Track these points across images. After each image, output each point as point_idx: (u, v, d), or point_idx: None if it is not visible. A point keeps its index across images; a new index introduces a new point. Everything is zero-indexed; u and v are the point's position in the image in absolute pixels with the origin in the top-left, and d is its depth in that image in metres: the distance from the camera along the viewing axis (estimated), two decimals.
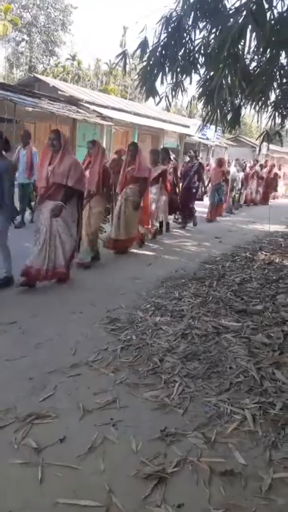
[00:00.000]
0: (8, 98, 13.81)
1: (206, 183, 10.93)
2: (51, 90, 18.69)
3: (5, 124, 13.80)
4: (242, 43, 3.43)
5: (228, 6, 4.20)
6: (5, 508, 1.77)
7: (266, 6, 3.41)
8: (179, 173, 9.21)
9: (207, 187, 11.01)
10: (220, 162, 10.81)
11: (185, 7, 4.49)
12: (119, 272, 5.38)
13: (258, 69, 3.94)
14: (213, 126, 5.02)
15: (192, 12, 4.49)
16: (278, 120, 4.81)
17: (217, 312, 3.96)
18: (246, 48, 3.59)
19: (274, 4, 3.63)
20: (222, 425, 2.37)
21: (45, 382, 2.72)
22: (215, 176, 10.63)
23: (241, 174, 13.48)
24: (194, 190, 9.10)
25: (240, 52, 3.64)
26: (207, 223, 10.19)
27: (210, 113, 4.62)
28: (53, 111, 15.15)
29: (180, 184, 9.11)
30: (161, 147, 20.82)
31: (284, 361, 3.04)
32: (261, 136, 4.37)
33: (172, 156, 8.83)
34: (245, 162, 15.67)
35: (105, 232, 6.13)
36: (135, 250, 6.68)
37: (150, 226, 7.06)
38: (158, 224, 7.85)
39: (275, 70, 3.84)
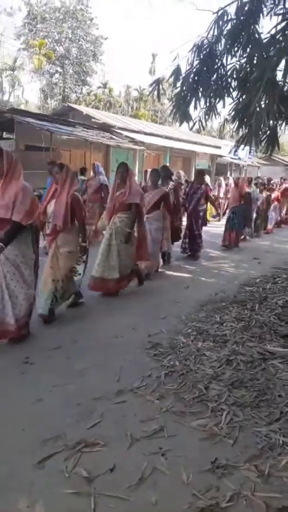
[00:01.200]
0: (44, 127, 14.39)
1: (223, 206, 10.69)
2: (85, 118, 19.35)
3: (43, 152, 14.36)
4: (279, 69, 3.48)
5: (261, 32, 4.28)
6: None
7: None
8: (181, 194, 8.18)
9: (225, 210, 10.44)
10: (237, 182, 9.84)
11: (217, 34, 4.61)
12: (157, 295, 5.39)
13: None
14: (243, 146, 4.94)
15: (224, 39, 4.61)
16: None
17: (261, 337, 3.88)
18: (284, 74, 3.61)
19: None
20: (275, 457, 2.28)
21: (92, 409, 2.73)
22: (233, 198, 9.72)
23: (262, 195, 11.93)
24: (201, 214, 8.12)
25: (277, 77, 3.68)
26: (242, 244, 9.98)
27: (245, 136, 4.65)
28: (86, 139, 15.63)
29: (184, 207, 8.25)
30: (193, 168, 20.99)
31: None
32: None
33: (175, 174, 8.51)
34: (271, 182, 14.38)
35: (79, 274, 4.65)
36: (170, 272, 6.67)
37: (151, 261, 5.89)
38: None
39: None
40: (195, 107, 5.00)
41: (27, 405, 2.75)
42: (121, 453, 2.32)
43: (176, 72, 5.03)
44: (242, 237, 10.07)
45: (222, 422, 2.59)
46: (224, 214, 10.85)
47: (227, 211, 10.39)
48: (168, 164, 20.49)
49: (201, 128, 5.76)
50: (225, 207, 13.25)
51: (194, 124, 5.42)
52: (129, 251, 5.25)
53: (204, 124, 5.42)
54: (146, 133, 20.53)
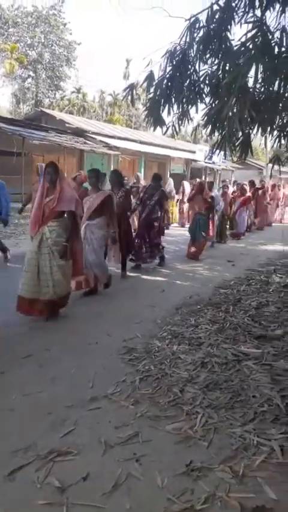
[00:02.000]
0: (16, 132, 14.22)
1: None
2: (58, 123, 19.23)
3: (14, 157, 14.17)
4: (250, 75, 3.55)
5: (232, 39, 4.36)
6: None
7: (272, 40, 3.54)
8: (133, 200, 7.49)
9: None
10: (201, 187, 8.64)
11: (189, 41, 4.67)
12: (132, 300, 5.37)
13: (266, 99, 4.04)
14: (218, 151, 4.95)
15: (196, 46, 4.66)
16: (283, 142, 4.89)
17: (236, 339, 3.91)
18: (254, 80, 3.69)
19: (279, 37, 3.75)
20: (250, 457, 2.29)
21: (65, 417, 2.67)
22: (197, 205, 8.57)
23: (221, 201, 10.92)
24: (156, 224, 7.31)
25: (249, 83, 3.75)
26: (212, 248, 10.03)
27: (220, 141, 4.71)
28: (60, 143, 15.53)
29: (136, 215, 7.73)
30: (168, 173, 21.14)
31: None
32: (272, 160, 4.43)
33: (134, 177, 8.40)
34: (239, 184, 13.89)
35: None
36: (146, 276, 6.65)
37: (86, 278, 5.24)
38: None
39: (284, 99, 3.93)
40: (169, 112, 5.04)
41: None
42: (95, 461, 2.28)
43: (149, 77, 5.06)
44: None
45: (197, 425, 2.58)
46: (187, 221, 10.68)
47: (190, 219, 9.71)
48: (143, 169, 20.60)
49: (175, 133, 5.80)
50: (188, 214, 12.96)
51: (168, 129, 5.46)
52: (65, 267, 4.43)
53: (177, 129, 5.47)
54: (120, 138, 20.57)
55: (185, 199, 13.94)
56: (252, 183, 13.85)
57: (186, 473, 2.19)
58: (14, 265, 6.46)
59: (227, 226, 11.33)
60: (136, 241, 7.11)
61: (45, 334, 4.06)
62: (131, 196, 7.39)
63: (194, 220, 8.57)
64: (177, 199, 14.22)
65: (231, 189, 12.88)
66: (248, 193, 12.35)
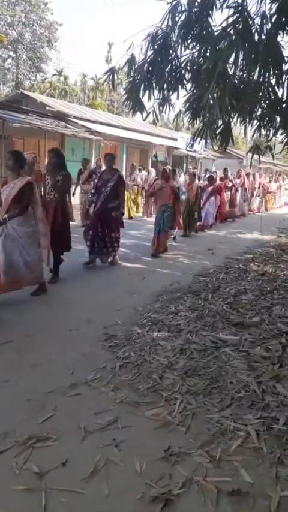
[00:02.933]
0: None
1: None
2: (39, 106, 18.79)
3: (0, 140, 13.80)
4: (230, 62, 3.51)
5: (214, 25, 4.31)
6: None
7: (252, 26, 3.51)
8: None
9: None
10: (166, 175, 7.56)
11: (171, 25, 4.59)
12: (113, 287, 5.36)
13: (246, 87, 4.01)
14: (199, 139, 4.89)
15: (178, 30, 4.60)
16: (263, 132, 4.91)
17: (214, 326, 3.96)
18: (235, 67, 3.66)
19: (259, 23, 3.72)
20: (227, 442, 2.34)
21: (44, 403, 2.67)
22: (162, 195, 7.61)
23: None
24: (113, 214, 6.24)
25: (229, 70, 3.72)
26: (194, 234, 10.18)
27: (200, 129, 4.68)
28: (41, 127, 15.19)
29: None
30: (150, 160, 21.01)
31: (285, 374, 3.03)
32: (252, 150, 4.44)
33: (95, 163, 8.61)
34: (212, 172, 14.02)
35: None
36: (126, 264, 6.65)
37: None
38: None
39: (263, 87, 3.91)
40: (149, 97, 4.98)
41: None
42: (74, 447, 2.29)
43: (130, 61, 4.97)
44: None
45: (176, 411, 2.62)
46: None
47: (154, 210, 9.00)
48: (125, 155, 20.41)
49: (156, 119, 5.75)
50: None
51: (148, 114, 5.40)
52: None
53: (158, 115, 5.42)
54: (102, 124, 20.29)
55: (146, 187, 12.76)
56: (225, 172, 13.62)
57: (165, 458, 2.22)
58: None
59: (195, 217, 10.26)
60: (88, 233, 6.30)
61: (25, 321, 4.02)
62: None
63: (159, 212, 7.62)
64: (143, 188, 13.40)
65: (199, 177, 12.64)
66: (218, 183, 11.83)
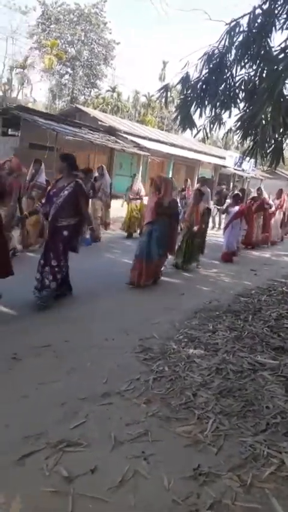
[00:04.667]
0: (50, 126, 14.46)
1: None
2: (91, 120, 19.45)
3: (47, 152, 14.40)
4: (287, 82, 3.51)
5: (272, 46, 4.32)
6: None
7: None
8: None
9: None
10: (156, 183, 6.02)
11: (228, 45, 4.66)
12: (152, 301, 5.37)
13: None
14: (248, 158, 4.88)
15: (235, 50, 4.65)
16: None
17: (253, 348, 3.86)
18: None
19: None
20: (259, 468, 2.27)
21: (77, 409, 2.70)
22: (149, 210, 6.11)
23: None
24: (65, 233, 4.59)
25: (285, 91, 3.72)
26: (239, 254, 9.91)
27: (251, 147, 4.67)
28: (92, 141, 15.69)
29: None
30: (196, 177, 21.07)
31: None
32: None
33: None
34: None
35: None
36: (166, 279, 6.63)
37: None
38: None
39: None
40: (200, 115, 5.04)
41: (12, 401, 2.73)
42: (103, 455, 2.30)
43: (185, 79, 5.07)
44: (163, 268, 6.49)
45: (208, 430, 2.57)
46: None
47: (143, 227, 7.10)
48: (171, 171, 20.58)
49: (206, 137, 5.79)
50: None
51: (198, 132, 5.46)
52: None
53: (208, 132, 5.46)
54: (151, 140, 20.64)
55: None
56: (258, 191, 11.42)
57: (193, 477, 2.18)
58: None
59: (197, 247, 7.64)
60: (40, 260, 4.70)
61: (64, 327, 4.11)
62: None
63: (145, 233, 6.00)
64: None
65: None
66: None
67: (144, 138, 20.24)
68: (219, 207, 12.63)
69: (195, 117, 5.15)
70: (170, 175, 17.98)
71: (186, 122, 5.27)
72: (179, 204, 7.60)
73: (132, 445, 2.41)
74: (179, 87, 5.27)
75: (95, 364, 3.36)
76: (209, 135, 5.73)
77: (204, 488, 2.11)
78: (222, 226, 9.68)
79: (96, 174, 9.39)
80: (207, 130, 5.36)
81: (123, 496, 2.02)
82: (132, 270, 5.90)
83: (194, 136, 5.90)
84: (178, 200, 7.54)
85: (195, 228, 7.36)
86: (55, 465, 2.18)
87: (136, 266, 5.88)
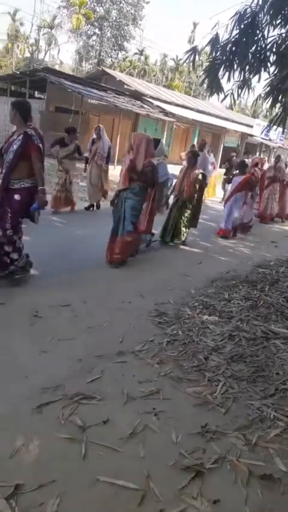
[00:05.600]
0: (76, 90, 14.23)
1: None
2: (117, 84, 19.01)
3: (71, 115, 14.26)
4: None
5: None
6: (49, 476, 1.88)
7: None
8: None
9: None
10: (138, 142, 4.92)
11: (261, 4, 4.43)
12: (169, 268, 5.42)
13: None
14: (276, 127, 4.71)
15: (267, 9, 4.42)
16: None
17: (267, 317, 3.90)
18: None
19: None
20: (264, 429, 2.35)
21: (93, 366, 2.82)
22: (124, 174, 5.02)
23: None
24: (16, 197, 3.83)
25: None
26: (260, 225, 9.76)
27: (280, 114, 4.52)
28: (117, 105, 15.40)
29: None
30: (222, 146, 20.57)
31: None
32: None
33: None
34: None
35: None
36: (184, 247, 6.63)
37: None
38: None
39: None
40: (229, 79, 4.87)
41: (32, 355, 2.86)
42: (116, 409, 2.42)
43: (214, 40, 4.88)
44: (144, 245, 5.94)
45: (217, 392, 2.65)
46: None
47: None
48: (196, 138, 20.11)
49: (233, 102, 5.61)
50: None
51: (225, 97, 5.29)
52: None
53: (236, 97, 5.29)
54: (177, 105, 20.11)
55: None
56: (277, 159, 10.50)
57: (201, 434, 2.28)
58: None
59: (189, 220, 6.57)
60: None
61: (83, 288, 4.22)
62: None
63: (118, 202, 5.06)
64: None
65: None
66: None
67: (170, 103, 19.73)
68: (225, 177, 11.35)
69: (223, 81, 4.98)
70: (195, 142, 17.58)
71: (214, 86, 5.11)
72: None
73: (143, 401, 2.52)
74: (207, 49, 5.08)
75: (111, 325, 3.46)
76: (236, 100, 5.56)
77: (210, 444, 2.21)
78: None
79: (94, 136, 8.27)
80: (235, 95, 5.20)
81: (133, 447, 2.13)
82: (106, 250, 5.13)
83: (221, 101, 5.81)
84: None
85: (185, 196, 6.37)
86: (70, 415, 2.31)
87: (109, 243, 5.10)
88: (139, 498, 1.82)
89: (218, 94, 5.20)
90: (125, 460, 2.05)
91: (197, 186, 6.40)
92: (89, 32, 37.70)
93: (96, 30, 37.59)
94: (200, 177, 6.39)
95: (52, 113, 16.20)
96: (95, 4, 36.34)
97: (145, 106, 18.05)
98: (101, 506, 1.77)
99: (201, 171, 6.64)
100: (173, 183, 6.49)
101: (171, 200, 6.58)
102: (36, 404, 2.35)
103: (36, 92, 19.27)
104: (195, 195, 6.48)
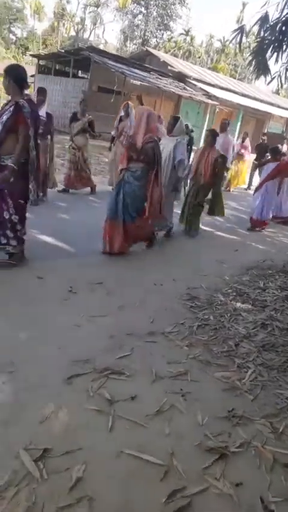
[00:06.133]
0: (119, 70, 14.14)
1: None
2: (161, 65, 18.73)
3: (113, 96, 14.20)
4: None
5: None
6: (76, 444, 1.94)
7: None
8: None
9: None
10: (141, 113, 4.44)
11: None
12: (204, 254, 5.37)
13: None
14: None
15: None
16: None
17: None
18: None
19: None
20: None
21: (123, 343, 2.86)
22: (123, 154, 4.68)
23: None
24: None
25: None
26: None
27: None
28: (159, 86, 15.20)
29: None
30: (266, 131, 19.95)
31: None
32: None
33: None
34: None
35: None
36: (222, 234, 6.54)
37: None
38: None
39: None
40: (276, 61, 4.69)
41: (65, 328, 2.94)
42: (144, 386, 2.45)
43: (263, 20, 4.69)
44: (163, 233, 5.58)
45: (246, 379, 2.64)
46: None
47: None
48: (239, 123, 19.58)
49: (280, 85, 5.41)
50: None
51: (273, 79, 5.11)
52: None
53: (283, 80, 5.10)
54: (221, 88, 19.61)
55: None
56: None
57: (227, 418, 2.28)
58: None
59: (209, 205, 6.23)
60: None
61: (116, 267, 4.27)
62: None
63: (118, 184, 4.59)
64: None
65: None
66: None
67: (213, 86, 19.25)
68: (256, 162, 10.33)
69: (271, 62, 4.81)
70: (238, 127, 17.14)
71: (261, 68, 4.94)
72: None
73: (171, 381, 2.54)
74: (256, 29, 4.89)
75: (143, 305, 3.49)
76: (284, 83, 5.35)
77: (236, 429, 2.21)
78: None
79: (122, 113, 7.57)
80: (283, 78, 5.01)
81: (159, 424, 2.16)
82: (104, 237, 4.55)
83: (268, 84, 5.55)
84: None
85: (203, 181, 5.82)
86: (99, 388, 2.36)
87: (106, 229, 4.52)
88: (162, 473, 1.85)
89: (264, 76, 5.03)
90: (150, 436, 2.08)
91: (216, 169, 5.83)
92: (134, 10, 37.20)
93: (142, 9, 37.01)
94: (220, 159, 5.86)
95: (95, 92, 16.19)
96: None
97: (188, 88, 17.70)
98: (125, 477, 1.82)
99: (220, 152, 6.20)
100: (190, 165, 5.94)
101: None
102: (67, 375, 2.42)
103: (79, 72, 19.30)
104: (214, 180, 5.90)
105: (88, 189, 7.51)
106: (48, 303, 3.27)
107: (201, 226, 6.39)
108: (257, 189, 7.23)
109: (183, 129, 5.51)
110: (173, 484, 1.81)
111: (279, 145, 7.65)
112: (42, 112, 5.86)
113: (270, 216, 7.30)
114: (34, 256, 4.02)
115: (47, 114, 6.13)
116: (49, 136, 6.22)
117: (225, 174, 8.25)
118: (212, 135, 6.01)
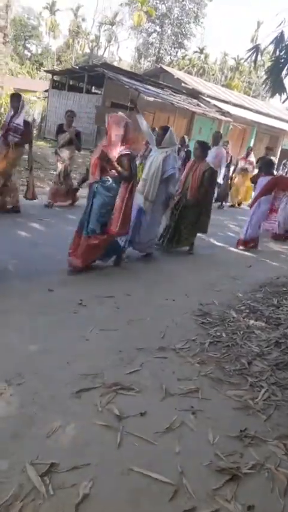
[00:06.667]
0: (133, 86, 14.36)
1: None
2: (175, 81, 18.98)
3: (127, 111, 14.36)
4: None
5: None
6: (84, 459, 1.90)
7: None
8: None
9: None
10: (115, 123, 4.10)
11: None
12: (217, 269, 5.32)
13: None
14: None
15: None
16: None
17: None
18: None
19: None
20: None
21: (133, 358, 2.82)
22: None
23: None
24: None
25: None
26: None
27: None
28: (173, 103, 15.37)
29: None
30: (280, 148, 19.98)
31: None
32: None
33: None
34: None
35: None
36: (235, 250, 6.50)
37: None
38: None
39: None
40: None
41: (74, 342, 2.91)
42: (154, 403, 2.40)
43: (279, 39, 4.72)
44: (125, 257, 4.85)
45: (259, 398, 2.57)
46: None
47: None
48: (253, 140, 19.65)
49: None
50: None
51: None
52: None
53: None
54: (235, 105, 19.75)
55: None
56: None
57: (239, 437, 2.22)
58: None
59: (194, 224, 5.63)
60: None
61: (127, 281, 4.25)
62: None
63: (88, 198, 4.36)
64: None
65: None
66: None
67: (227, 102, 19.41)
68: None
69: (286, 81, 4.82)
70: (252, 144, 17.17)
71: (276, 86, 4.95)
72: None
73: (182, 398, 2.48)
74: (271, 48, 4.93)
75: (153, 320, 3.45)
76: None
77: (248, 449, 2.14)
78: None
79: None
80: None
81: (169, 442, 2.11)
82: (70, 250, 4.31)
83: (283, 102, 5.54)
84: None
85: (189, 196, 5.47)
86: (108, 403, 2.32)
87: (75, 243, 4.30)
88: (171, 493, 1.79)
89: (280, 95, 5.04)
90: (160, 453, 2.03)
91: (204, 183, 5.42)
92: (149, 29, 37.99)
93: (157, 28, 37.78)
94: (207, 173, 5.43)
95: (108, 108, 16.43)
96: (157, 1, 36.50)
97: (201, 105, 17.87)
98: (132, 495, 1.77)
99: (210, 165, 5.68)
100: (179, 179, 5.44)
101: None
102: (76, 389, 2.39)
103: (93, 88, 19.65)
104: (201, 195, 5.46)
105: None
106: (58, 315, 3.26)
107: (213, 241, 6.36)
108: (251, 205, 6.82)
109: (174, 140, 5.07)
110: (183, 504, 1.75)
111: (272, 158, 7.14)
112: (19, 120, 5.82)
113: (259, 232, 6.77)
114: (43, 269, 4.03)
115: (25, 122, 5.98)
116: (27, 146, 6.06)
117: (217, 189, 7.75)
118: (202, 147, 5.61)
